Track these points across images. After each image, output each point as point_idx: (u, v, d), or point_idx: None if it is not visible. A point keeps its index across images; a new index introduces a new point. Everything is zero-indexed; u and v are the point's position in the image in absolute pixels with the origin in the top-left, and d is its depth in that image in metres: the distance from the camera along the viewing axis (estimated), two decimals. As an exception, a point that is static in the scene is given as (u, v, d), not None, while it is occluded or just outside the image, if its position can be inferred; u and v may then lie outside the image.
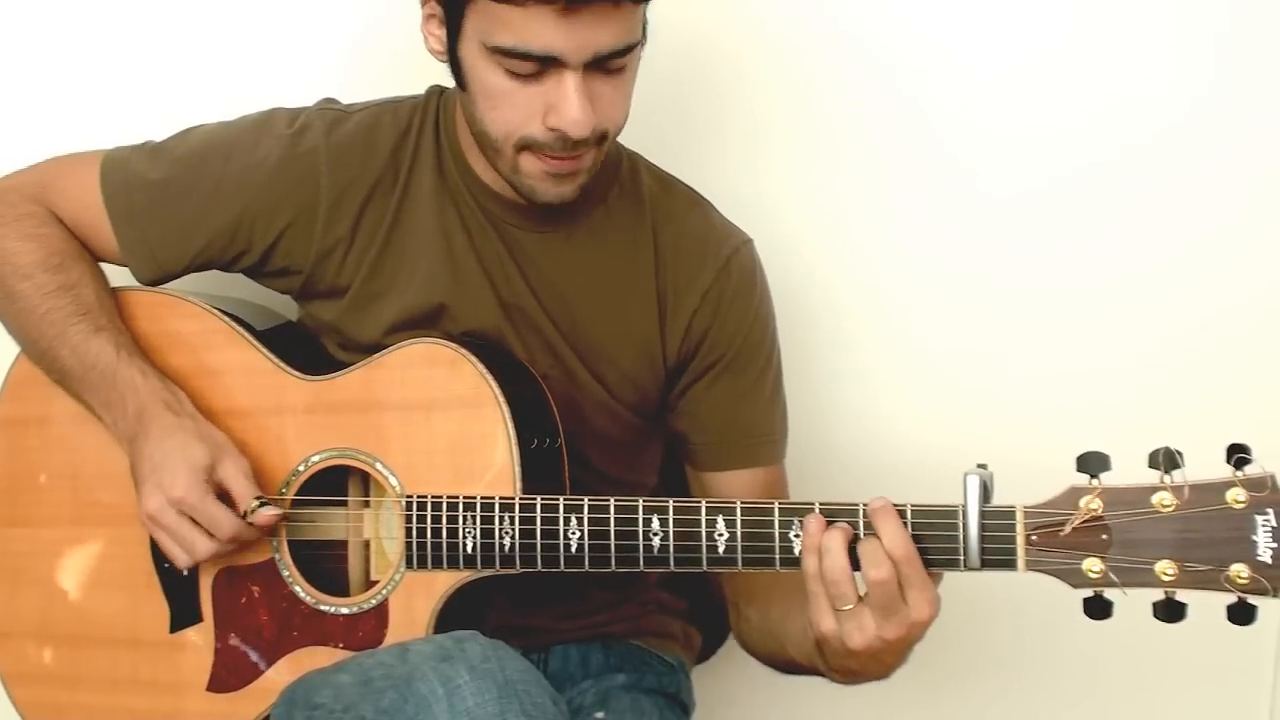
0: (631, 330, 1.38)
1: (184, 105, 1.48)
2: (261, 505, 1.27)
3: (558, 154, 1.25)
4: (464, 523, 1.24)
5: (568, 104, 1.21)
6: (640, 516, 1.20)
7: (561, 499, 1.22)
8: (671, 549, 1.19)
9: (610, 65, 1.22)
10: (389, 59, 1.54)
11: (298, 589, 1.32)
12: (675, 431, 1.42)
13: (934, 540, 1.12)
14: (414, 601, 1.27)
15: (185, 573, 1.33)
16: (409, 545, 1.26)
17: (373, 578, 1.35)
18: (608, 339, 1.38)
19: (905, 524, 1.11)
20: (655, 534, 1.19)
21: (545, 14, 1.16)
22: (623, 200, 1.39)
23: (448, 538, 1.25)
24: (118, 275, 1.42)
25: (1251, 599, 1.04)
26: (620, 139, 1.36)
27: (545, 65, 1.20)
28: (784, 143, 1.65)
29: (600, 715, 1.38)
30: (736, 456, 1.39)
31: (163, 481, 1.26)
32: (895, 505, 1.12)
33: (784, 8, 1.63)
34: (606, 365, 1.38)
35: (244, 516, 1.27)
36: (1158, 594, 1.07)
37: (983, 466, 1.12)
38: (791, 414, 1.43)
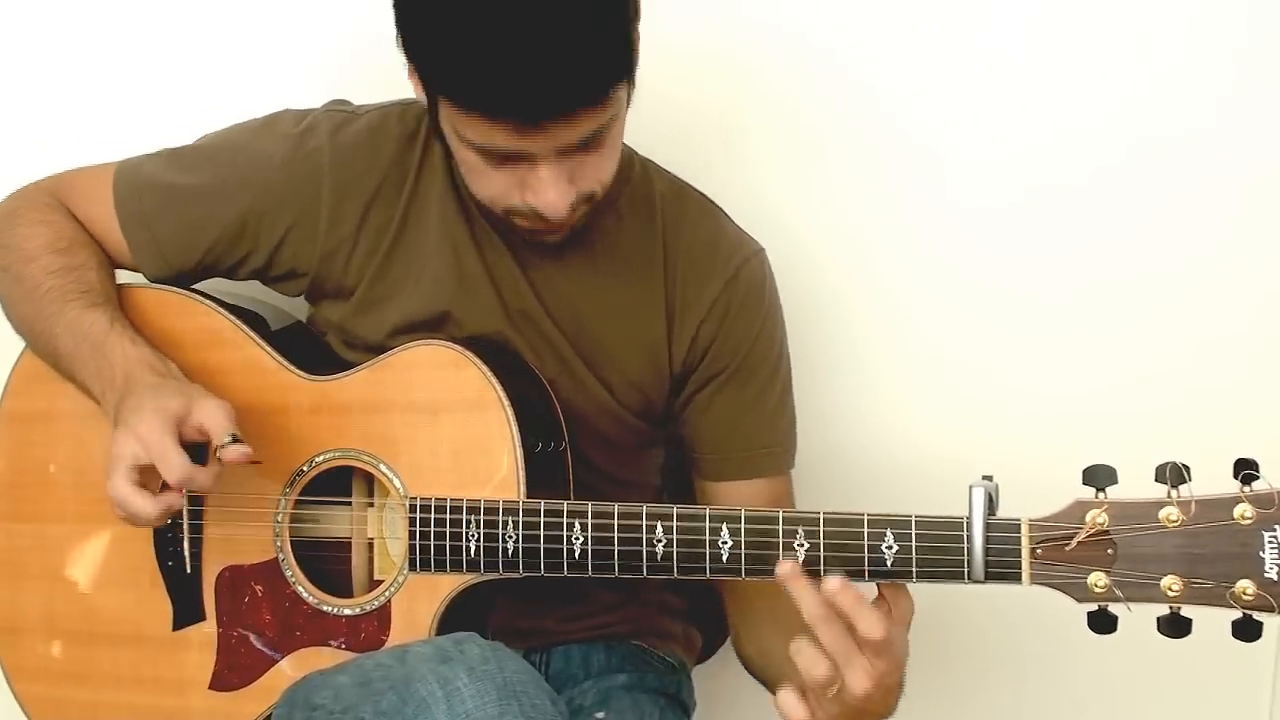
0: (639, 337, 1.37)
1: (201, 116, 1.47)
2: (234, 442, 1.19)
3: (539, 223, 1.25)
4: (467, 526, 1.24)
5: (543, 190, 1.20)
6: (644, 523, 1.19)
7: (565, 504, 1.22)
8: (675, 556, 1.19)
9: (587, 146, 1.20)
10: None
11: (300, 589, 1.32)
12: (680, 439, 1.42)
13: (938, 552, 1.11)
14: (416, 604, 1.27)
15: (188, 570, 1.34)
16: (412, 548, 1.26)
17: (376, 578, 1.35)
18: (615, 345, 1.37)
19: (911, 534, 1.11)
20: (659, 541, 1.19)
21: (505, 127, 1.15)
22: (633, 206, 1.39)
23: (451, 541, 1.25)
24: (130, 277, 1.43)
25: (1257, 615, 1.04)
26: (632, 144, 1.35)
27: (516, 157, 1.19)
28: (795, 149, 1.64)
29: (601, 715, 1.37)
30: (739, 467, 1.39)
31: (131, 425, 1.21)
32: (900, 516, 1.12)
33: (795, 12, 1.62)
34: (613, 371, 1.38)
35: (215, 452, 1.20)
36: (1163, 609, 1.06)
37: (988, 478, 1.11)
38: (800, 422, 1.42)
